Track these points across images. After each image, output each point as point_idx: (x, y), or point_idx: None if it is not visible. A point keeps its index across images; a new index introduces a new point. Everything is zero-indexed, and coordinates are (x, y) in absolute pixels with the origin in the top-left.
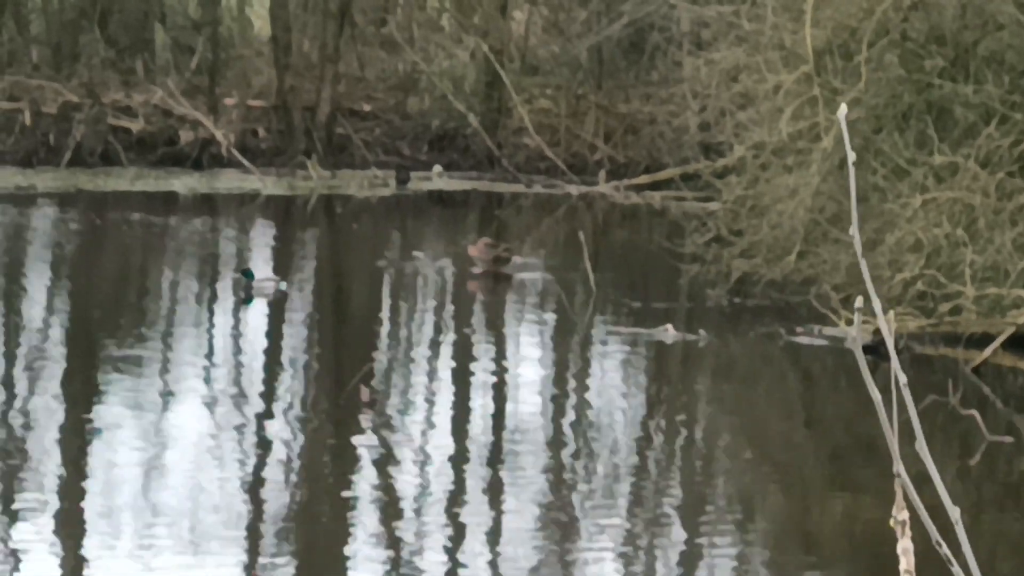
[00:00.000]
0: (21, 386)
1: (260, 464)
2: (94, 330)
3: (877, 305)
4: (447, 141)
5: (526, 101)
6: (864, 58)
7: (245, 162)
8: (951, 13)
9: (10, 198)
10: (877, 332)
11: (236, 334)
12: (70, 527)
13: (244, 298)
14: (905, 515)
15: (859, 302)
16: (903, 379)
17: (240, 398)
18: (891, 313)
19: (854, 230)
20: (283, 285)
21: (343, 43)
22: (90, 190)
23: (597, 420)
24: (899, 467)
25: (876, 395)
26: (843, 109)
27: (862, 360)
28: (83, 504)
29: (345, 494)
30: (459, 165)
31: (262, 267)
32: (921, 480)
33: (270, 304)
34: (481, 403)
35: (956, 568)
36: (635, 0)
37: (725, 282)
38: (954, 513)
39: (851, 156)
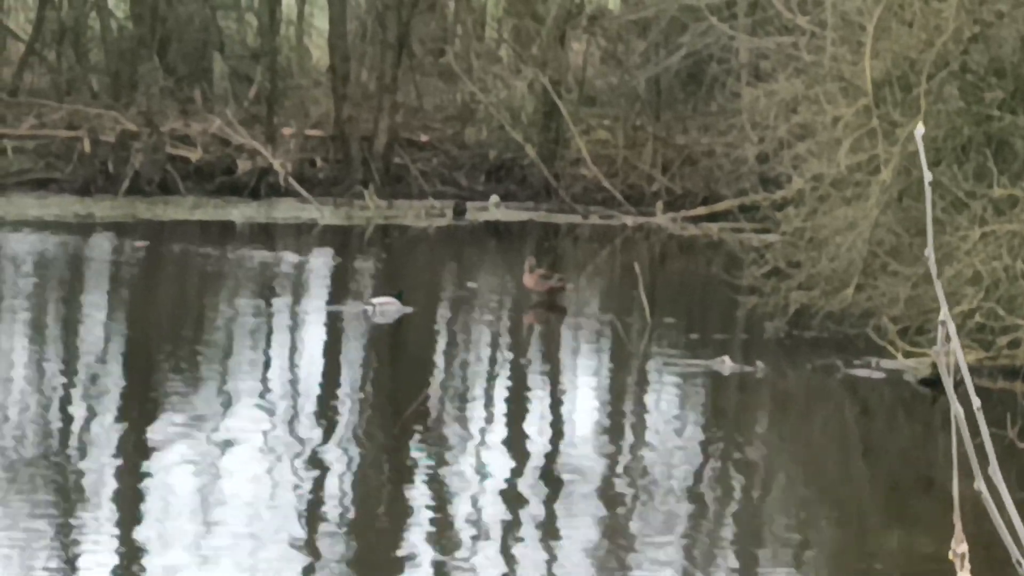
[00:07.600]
0: (79, 412)
1: (315, 492)
2: (152, 356)
3: (952, 329)
4: (504, 171)
5: (583, 132)
6: (924, 90)
7: (302, 191)
8: (1011, 45)
9: (68, 226)
10: (935, 365)
11: (292, 362)
12: (127, 546)
13: (370, 315)
14: (964, 547)
15: (944, 314)
16: (977, 403)
17: (295, 425)
18: (951, 345)
19: (929, 251)
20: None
21: (401, 73)
22: (148, 219)
23: (653, 451)
24: (980, 484)
25: (958, 409)
26: (920, 128)
27: (947, 381)
28: (139, 527)
29: (399, 524)
30: (516, 196)
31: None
32: (982, 509)
33: (327, 331)
34: (536, 434)
35: None
36: (694, 32)
37: (783, 314)
38: None
39: (928, 176)
